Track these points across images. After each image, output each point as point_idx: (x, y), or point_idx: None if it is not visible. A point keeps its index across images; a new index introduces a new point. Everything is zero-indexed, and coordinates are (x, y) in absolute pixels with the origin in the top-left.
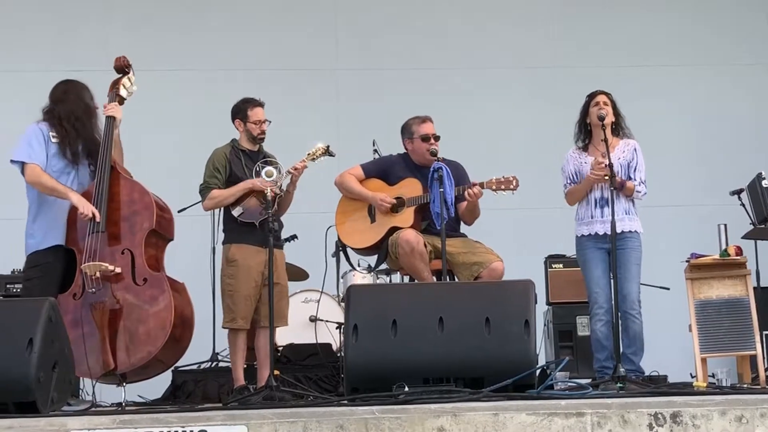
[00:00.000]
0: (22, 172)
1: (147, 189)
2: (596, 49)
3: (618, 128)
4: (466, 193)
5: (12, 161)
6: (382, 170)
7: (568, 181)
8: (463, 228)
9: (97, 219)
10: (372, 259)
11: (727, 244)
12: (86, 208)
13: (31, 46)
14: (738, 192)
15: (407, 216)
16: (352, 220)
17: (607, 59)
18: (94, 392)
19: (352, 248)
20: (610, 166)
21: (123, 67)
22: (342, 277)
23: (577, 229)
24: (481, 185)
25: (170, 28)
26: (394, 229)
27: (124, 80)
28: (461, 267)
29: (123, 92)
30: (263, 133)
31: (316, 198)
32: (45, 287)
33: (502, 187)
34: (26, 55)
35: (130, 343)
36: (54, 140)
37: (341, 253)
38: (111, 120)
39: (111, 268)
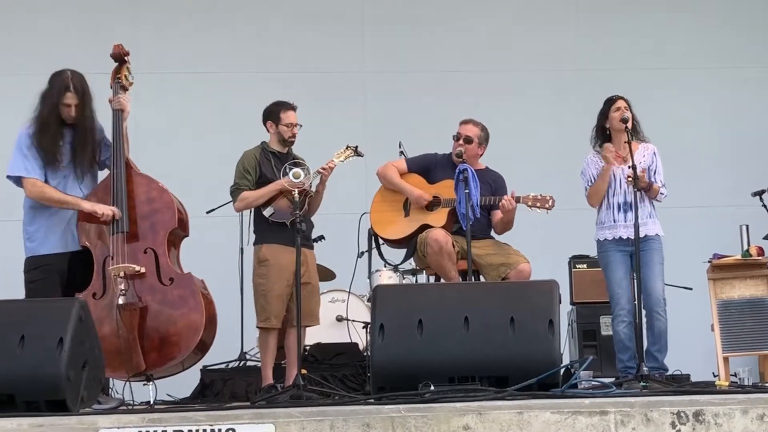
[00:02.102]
0: (20, 185)
1: (164, 186)
2: (620, 51)
3: (634, 132)
4: (500, 202)
5: (8, 177)
6: (425, 167)
7: (589, 185)
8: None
9: (117, 218)
10: (399, 255)
11: (748, 244)
12: (105, 209)
13: (61, 50)
14: (760, 193)
15: (440, 216)
16: (387, 210)
17: (632, 62)
18: (130, 390)
19: (382, 238)
20: (634, 167)
21: (122, 55)
22: (369, 277)
23: (599, 233)
24: (517, 199)
25: (198, 33)
26: (425, 227)
27: (124, 69)
28: (489, 268)
29: (125, 82)
30: (294, 136)
31: (344, 199)
32: (49, 288)
33: (538, 204)
34: (56, 59)
35: (161, 345)
36: (40, 152)
37: (373, 242)
38: (119, 113)
39: (137, 268)
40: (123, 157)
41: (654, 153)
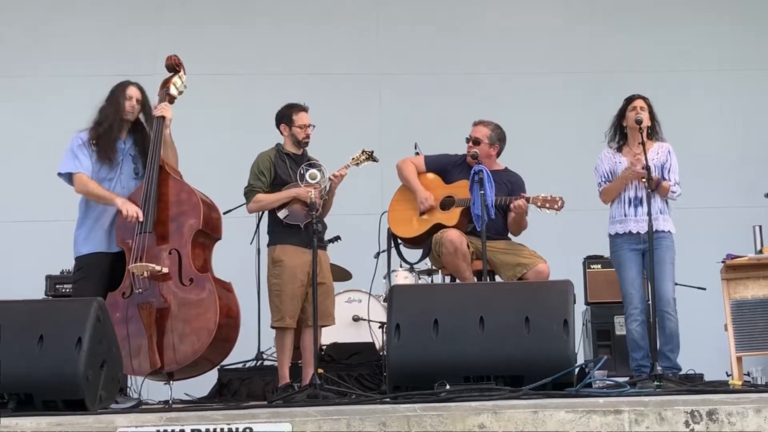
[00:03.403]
0: (71, 183)
1: (194, 189)
2: (635, 53)
3: (653, 132)
4: (511, 204)
5: (59, 174)
6: (442, 167)
7: (602, 180)
8: None
9: (140, 220)
10: (415, 255)
11: (762, 244)
12: (130, 209)
13: (82, 51)
14: None
15: (453, 215)
16: (403, 209)
17: (646, 63)
18: (147, 389)
19: (398, 237)
20: (647, 168)
21: (174, 66)
22: (384, 278)
23: (611, 228)
24: (527, 200)
25: (217, 34)
26: (438, 225)
27: (175, 79)
28: (504, 266)
29: (173, 91)
30: (308, 137)
31: (360, 201)
32: (88, 288)
33: (547, 205)
34: (77, 61)
35: (177, 343)
36: (94, 147)
37: (392, 242)
38: (160, 120)
39: (158, 268)
40: (158, 161)
41: (669, 151)
